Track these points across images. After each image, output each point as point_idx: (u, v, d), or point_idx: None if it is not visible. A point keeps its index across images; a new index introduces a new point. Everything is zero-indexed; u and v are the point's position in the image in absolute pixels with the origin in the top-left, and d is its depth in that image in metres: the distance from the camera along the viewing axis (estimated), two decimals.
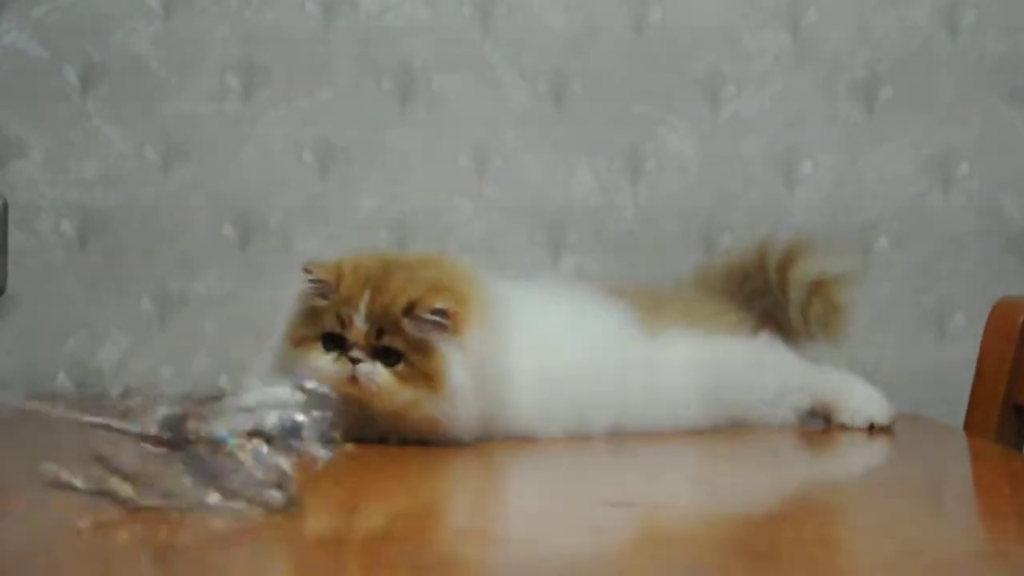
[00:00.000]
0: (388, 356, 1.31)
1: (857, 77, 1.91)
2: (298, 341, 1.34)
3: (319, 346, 1.33)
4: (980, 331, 1.62)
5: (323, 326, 1.33)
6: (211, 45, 1.84)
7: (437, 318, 1.31)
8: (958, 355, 1.70)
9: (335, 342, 1.32)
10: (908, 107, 1.91)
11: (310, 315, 1.35)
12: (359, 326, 1.31)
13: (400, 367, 1.31)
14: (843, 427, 1.53)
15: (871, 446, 1.46)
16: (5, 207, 1.79)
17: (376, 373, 1.30)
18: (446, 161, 1.87)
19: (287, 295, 1.80)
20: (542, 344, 1.40)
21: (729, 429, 1.49)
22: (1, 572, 0.86)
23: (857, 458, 1.43)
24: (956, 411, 1.61)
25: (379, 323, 1.31)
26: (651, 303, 1.51)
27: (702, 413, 1.47)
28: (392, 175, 1.86)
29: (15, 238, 1.81)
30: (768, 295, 1.61)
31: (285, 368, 1.32)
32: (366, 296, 1.31)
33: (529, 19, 1.88)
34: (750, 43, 1.90)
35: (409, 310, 1.31)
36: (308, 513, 1.00)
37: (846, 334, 1.59)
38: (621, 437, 1.42)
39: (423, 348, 1.31)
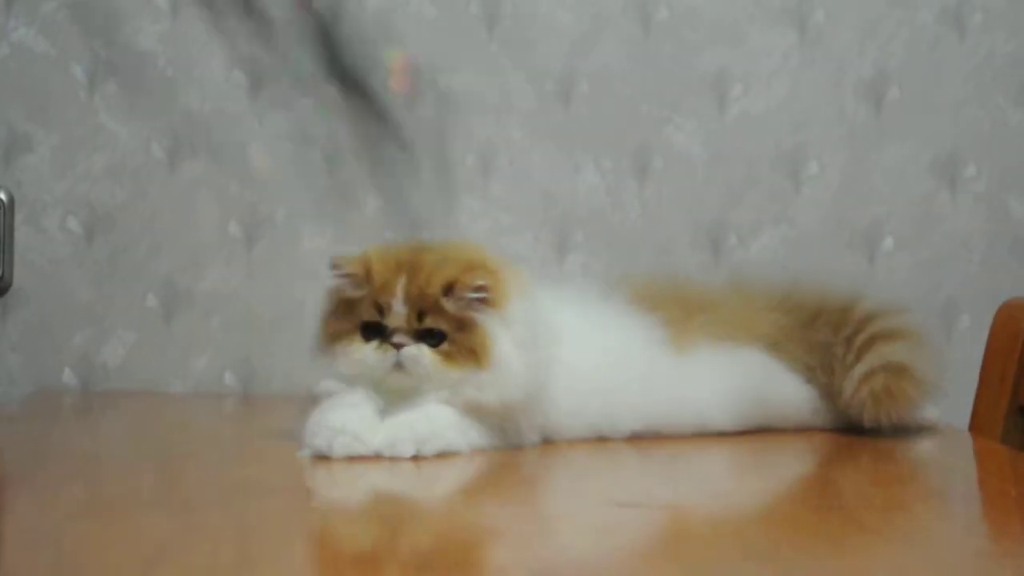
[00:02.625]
0: (431, 338, 1.30)
1: (864, 77, 1.91)
2: (334, 337, 1.33)
3: (358, 337, 1.32)
4: (986, 332, 1.62)
5: (360, 316, 1.32)
6: (218, 42, 1.84)
7: (477, 295, 1.31)
8: (964, 356, 1.70)
9: (374, 331, 1.32)
10: (915, 107, 1.91)
11: (343, 308, 1.34)
12: (398, 311, 1.30)
13: (444, 347, 1.30)
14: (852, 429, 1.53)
15: (877, 448, 1.46)
16: (12, 203, 1.80)
17: (422, 355, 1.30)
18: (453, 159, 1.87)
19: (293, 293, 1.81)
20: (570, 349, 1.40)
21: (738, 432, 1.48)
22: None
23: (863, 460, 1.43)
24: (962, 412, 1.60)
25: (419, 305, 1.30)
26: (682, 308, 1.49)
27: (729, 421, 1.47)
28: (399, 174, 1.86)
29: (21, 234, 1.81)
30: (828, 340, 1.56)
31: (326, 366, 1.32)
32: (402, 281, 1.31)
33: (536, 18, 1.88)
34: (757, 42, 1.90)
35: (448, 289, 1.31)
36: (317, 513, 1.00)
37: (888, 421, 1.49)
38: (632, 439, 1.42)
39: (465, 325, 1.30)
